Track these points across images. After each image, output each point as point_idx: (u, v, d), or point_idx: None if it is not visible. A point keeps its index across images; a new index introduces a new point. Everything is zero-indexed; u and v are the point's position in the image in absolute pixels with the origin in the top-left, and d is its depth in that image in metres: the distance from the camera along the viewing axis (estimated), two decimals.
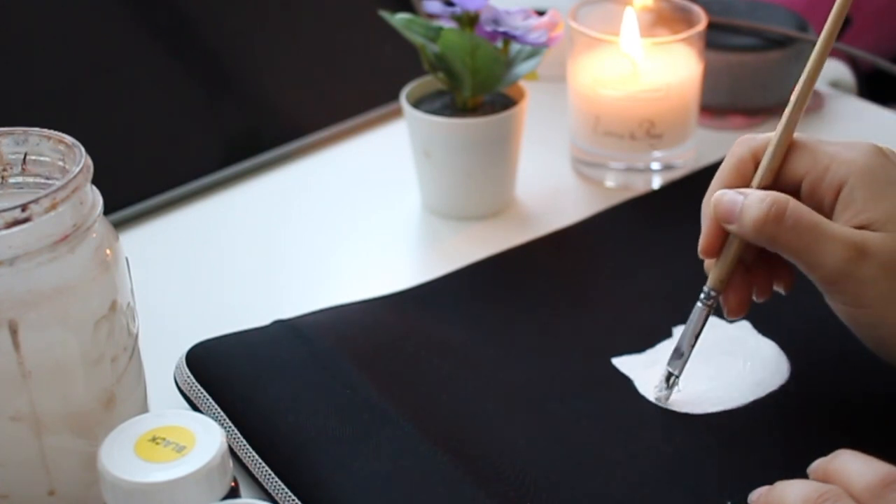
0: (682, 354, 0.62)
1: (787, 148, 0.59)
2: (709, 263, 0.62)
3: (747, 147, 0.60)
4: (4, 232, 0.49)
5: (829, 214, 0.58)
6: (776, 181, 0.60)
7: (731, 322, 0.66)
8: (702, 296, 0.61)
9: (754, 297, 0.62)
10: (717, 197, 0.59)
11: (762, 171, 0.59)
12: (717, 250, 0.61)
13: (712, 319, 0.66)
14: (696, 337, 0.61)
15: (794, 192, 0.59)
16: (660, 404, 0.62)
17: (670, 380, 0.62)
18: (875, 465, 0.50)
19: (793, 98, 0.60)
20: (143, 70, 0.84)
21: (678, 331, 0.67)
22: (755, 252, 0.61)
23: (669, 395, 0.62)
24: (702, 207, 0.61)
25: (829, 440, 0.59)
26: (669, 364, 0.62)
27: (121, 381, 0.55)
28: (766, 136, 0.60)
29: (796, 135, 0.60)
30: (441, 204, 0.79)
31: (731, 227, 0.59)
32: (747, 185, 0.60)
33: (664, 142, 0.80)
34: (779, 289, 0.62)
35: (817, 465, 0.52)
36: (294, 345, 0.64)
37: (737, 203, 0.58)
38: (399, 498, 0.56)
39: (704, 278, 0.66)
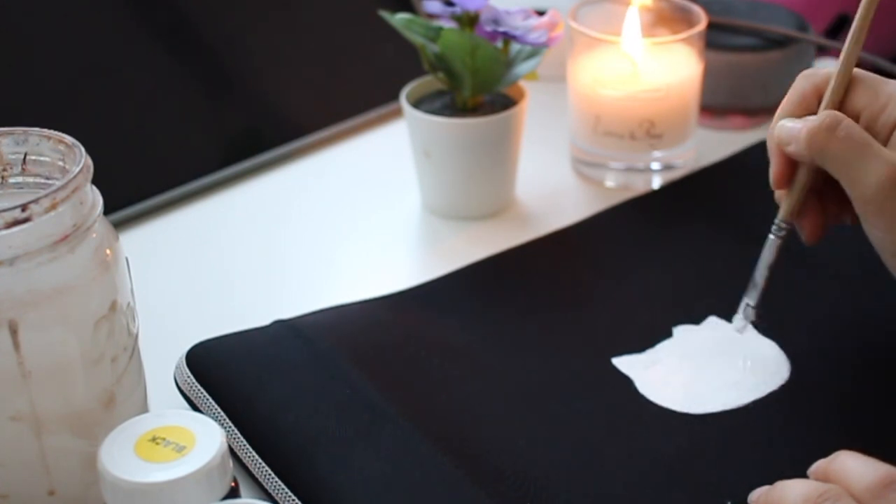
0: (756, 285, 0.64)
1: (848, 83, 0.61)
2: (779, 195, 0.64)
3: (810, 82, 0.62)
4: (4, 232, 0.49)
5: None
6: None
7: (758, 321, 0.66)
8: (774, 227, 0.63)
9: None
10: (779, 124, 0.62)
11: (825, 103, 0.61)
12: (786, 181, 0.63)
13: (712, 319, 0.67)
14: (770, 268, 0.63)
15: None
16: (739, 334, 0.65)
17: (747, 310, 0.64)
18: (875, 466, 0.50)
19: (851, 32, 0.62)
20: (144, 70, 0.84)
21: (678, 331, 0.67)
22: (825, 178, 0.62)
23: (746, 325, 0.64)
24: (767, 141, 0.63)
25: (829, 440, 0.59)
26: (746, 295, 0.64)
27: (121, 381, 0.56)
28: (828, 71, 0.62)
29: (856, 71, 0.62)
30: (441, 204, 0.79)
31: (790, 148, 0.61)
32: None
33: (664, 142, 0.80)
34: (845, 222, 0.64)
35: (817, 467, 0.52)
36: (294, 345, 0.64)
37: (795, 128, 0.61)
38: (399, 498, 0.56)
39: (705, 278, 0.66)
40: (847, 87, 0.62)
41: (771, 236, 0.63)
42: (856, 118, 0.61)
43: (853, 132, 0.59)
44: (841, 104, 0.61)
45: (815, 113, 0.62)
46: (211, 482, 0.49)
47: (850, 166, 0.59)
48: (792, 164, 0.62)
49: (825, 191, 0.63)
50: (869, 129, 0.60)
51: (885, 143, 0.60)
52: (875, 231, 0.60)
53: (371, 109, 0.90)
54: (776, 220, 0.63)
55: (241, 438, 0.60)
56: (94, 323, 0.53)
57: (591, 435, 0.60)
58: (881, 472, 0.50)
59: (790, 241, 0.65)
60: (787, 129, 0.61)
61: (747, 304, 0.64)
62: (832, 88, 0.62)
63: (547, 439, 0.60)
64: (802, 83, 0.63)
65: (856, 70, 0.62)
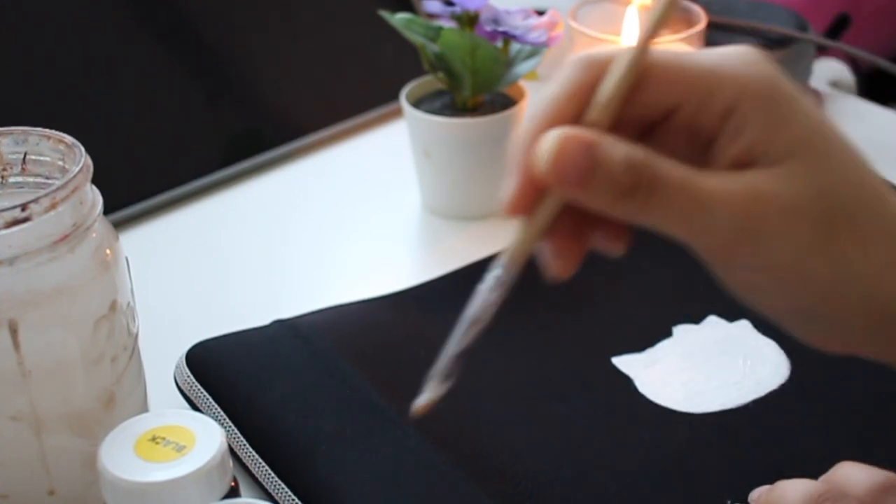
0: (446, 356, 0.48)
1: (643, 73, 0.41)
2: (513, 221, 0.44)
3: (589, 73, 0.42)
4: (4, 232, 0.49)
5: (708, 147, 0.42)
6: (627, 115, 0.42)
7: (732, 322, 0.66)
8: (492, 274, 0.44)
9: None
10: (557, 139, 0.40)
11: (604, 101, 0.41)
12: (528, 207, 0.42)
13: (711, 318, 0.66)
14: (477, 330, 0.46)
15: (655, 125, 0.42)
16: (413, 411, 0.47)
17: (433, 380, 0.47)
18: (876, 473, 0.50)
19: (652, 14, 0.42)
20: (143, 70, 0.84)
21: (678, 330, 0.67)
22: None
23: (428, 398, 0.47)
24: (513, 142, 0.42)
25: (828, 439, 0.59)
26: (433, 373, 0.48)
27: (121, 381, 0.55)
28: (610, 55, 0.42)
29: (657, 52, 0.42)
30: (441, 204, 0.79)
31: (581, 197, 0.41)
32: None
33: None
34: (613, 249, 0.45)
35: (821, 479, 0.52)
36: (294, 345, 0.64)
37: (587, 156, 0.40)
38: (399, 498, 0.56)
39: (704, 278, 0.66)
40: (641, 78, 0.41)
41: (484, 287, 0.45)
42: (662, 115, 0.42)
43: (667, 184, 0.40)
44: (634, 101, 0.41)
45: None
46: (211, 482, 0.49)
47: (683, 226, 0.42)
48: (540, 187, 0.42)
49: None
50: (690, 124, 0.42)
51: (712, 136, 0.42)
52: (744, 278, 0.44)
53: (371, 109, 0.90)
54: (497, 262, 0.44)
55: (241, 438, 0.60)
56: (94, 323, 0.53)
57: (592, 434, 0.60)
58: (881, 477, 0.50)
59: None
60: (572, 157, 0.40)
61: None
62: (619, 80, 0.41)
63: (547, 439, 0.60)
64: (580, 74, 0.42)
65: (656, 52, 0.41)
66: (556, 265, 0.45)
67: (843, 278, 0.42)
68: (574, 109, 0.41)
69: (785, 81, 0.42)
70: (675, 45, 0.79)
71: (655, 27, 0.41)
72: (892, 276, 0.42)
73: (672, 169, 0.41)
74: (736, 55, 0.42)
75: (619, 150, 0.40)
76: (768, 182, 0.41)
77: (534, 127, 0.41)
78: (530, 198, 0.42)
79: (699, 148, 0.42)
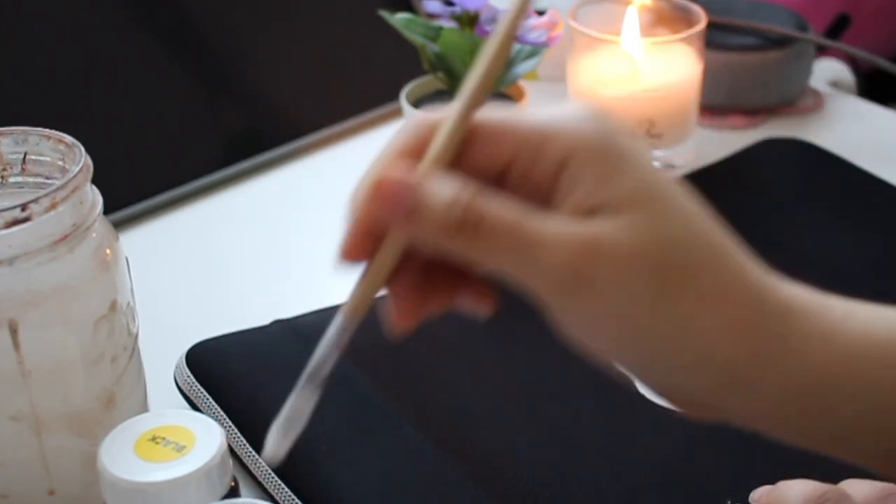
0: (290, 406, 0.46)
1: (471, 132, 0.42)
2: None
3: (424, 130, 0.42)
4: (4, 232, 0.49)
5: (546, 203, 0.41)
6: (464, 172, 0.41)
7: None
8: (333, 328, 0.43)
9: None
10: (383, 177, 0.41)
11: (432, 157, 0.41)
12: (368, 252, 0.43)
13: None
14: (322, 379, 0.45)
15: (498, 180, 0.42)
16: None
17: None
18: (876, 483, 0.50)
19: (477, 71, 0.43)
20: (143, 70, 0.84)
21: None
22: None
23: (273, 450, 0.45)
24: (352, 197, 0.43)
25: None
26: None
27: (121, 381, 0.55)
28: (441, 117, 0.42)
29: (486, 113, 0.42)
30: None
31: (408, 227, 0.41)
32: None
33: (664, 141, 0.80)
34: (478, 309, 0.46)
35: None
36: (294, 345, 0.64)
37: (409, 189, 0.40)
38: (399, 498, 0.56)
39: None
40: (470, 136, 0.41)
41: (325, 339, 0.44)
42: (495, 173, 0.41)
43: (494, 224, 0.40)
44: (465, 160, 0.41)
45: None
46: (211, 482, 0.49)
47: (512, 266, 0.41)
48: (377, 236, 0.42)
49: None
50: (524, 181, 0.41)
51: (549, 192, 0.41)
52: (581, 330, 0.44)
53: (371, 109, 0.90)
54: (340, 316, 0.42)
55: (241, 438, 0.59)
56: (94, 323, 0.53)
57: (592, 435, 0.60)
58: (882, 485, 0.50)
59: (787, 241, 0.65)
60: (394, 188, 0.41)
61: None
62: (448, 135, 0.41)
63: (547, 439, 0.60)
64: (415, 130, 0.42)
65: (482, 114, 0.42)
66: (398, 320, 0.44)
67: (680, 334, 0.40)
68: (407, 167, 0.41)
69: (620, 136, 0.41)
70: (675, 45, 0.79)
71: (482, 85, 0.42)
72: (728, 337, 0.40)
73: (503, 209, 0.40)
74: (569, 113, 0.42)
75: (444, 187, 0.40)
76: (606, 230, 0.40)
77: (368, 181, 0.42)
78: (364, 244, 0.43)
79: (542, 200, 0.41)
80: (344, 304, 0.43)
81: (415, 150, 0.42)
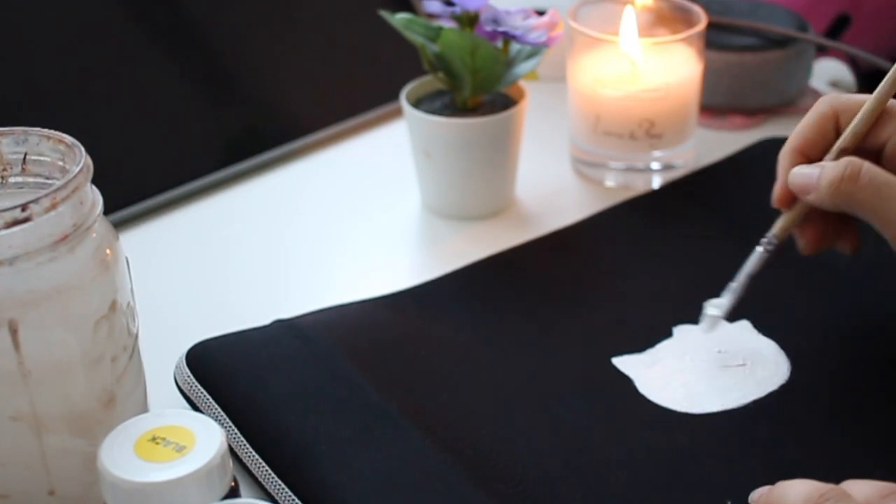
0: (733, 292, 0.64)
1: (882, 113, 0.62)
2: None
3: (829, 106, 0.63)
4: (4, 232, 0.49)
5: None
6: (859, 147, 0.62)
7: (733, 322, 0.66)
8: (764, 240, 0.64)
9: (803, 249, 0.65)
10: (792, 174, 0.62)
11: (848, 133, 0.62)
12: (790, 202, 0.64)
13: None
14: (751, 279, 0.64)
15: (876, 158, 0.61)
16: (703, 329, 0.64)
17: (712, 317, 0.64)
18: (876, 483, 0.50)
19: (890, 74, 0.62)
20: (143, 70, 0.84)
21: (678, 330, 0.67)
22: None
23: (713, 326, 0.64)
24: (779, 159, 0.64)
25: (828, 440, 0.59)
26: (715, 301, 0.64)
27: (121, 381, 0.56)
28: (850, 97, 0.63)
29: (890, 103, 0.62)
30: (441, 204, 0.79)
31: (809, 198, 0.61)
32: (828, 143, 0.63)
33: (664, 142, 0.80)
34: (844, 250, 0.65)
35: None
36: (294, 344, 0.64)
37: (812, 175, 0.61)
38: (399, 498, 0.56)
39: (705, 278, 0.66)
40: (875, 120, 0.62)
41: (759, 248, 0.64)
42: (880, 147, 0.62)
43: (877, 178, 0.59)
44: (865, 135, 0.62)
45: (831, 138, 0.63)
46: (211, 482, 0.49)
47: (880, 210, 0.59)
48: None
49: (830, 216, 0.64)
50: (894, 156, 0.61)
51: None
52: None
53: (371, 109, 0.90)
54: (768, 234, 0.64)
55: (241, 438, 0.60)
56: (94, 323, 0.53)
57: (591, 434, 0.60)
58: (881, 485, 0.50)
59: (790, 242, 0.65)
60: (802, 177, 0.62)
61: (713, 311, 0.64)
62: (861, 118, 0.62)
63: (547, 439, 0.60)
64: (822, 107, 0.63)
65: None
66: (802, 243, 0.65)
67: None
68: (821, 130, 0.63)
69: None
70: (675, 45, 0.80)
71: (893, 84, 0.62)
72: None
73: (879, 169, 0.60)
74: None
75: (834, 169, 0.60)
76: None
77: (789, 145, 0.64)
78: (787, 196, 0.63)
79: None
80: (772, 228, 0.64)
81: (823, 124, 0.63)
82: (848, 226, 0.65)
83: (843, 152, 0.62)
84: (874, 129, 0.62)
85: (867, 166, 0.60)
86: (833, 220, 0.64)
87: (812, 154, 0.63)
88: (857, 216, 0.61)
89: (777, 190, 0.64)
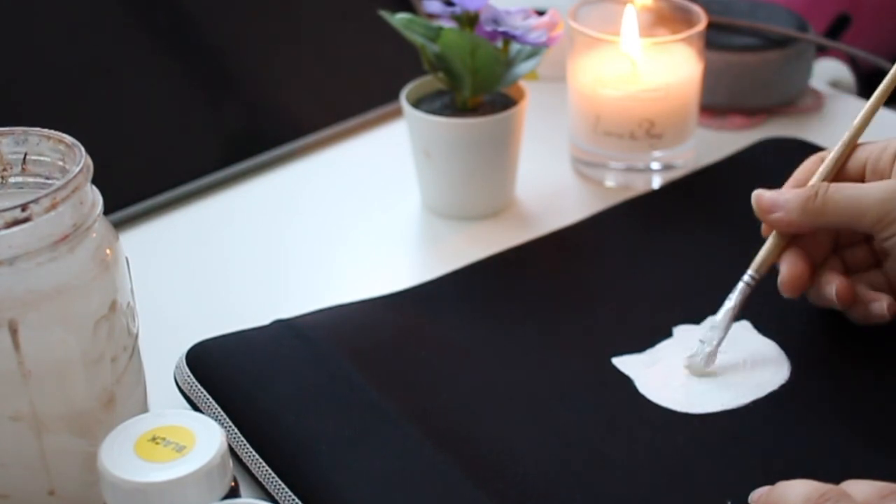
0: (718, 328, 0.64)
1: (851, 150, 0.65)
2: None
3: (817, 157, 0.67)
4: (4, 232, 0.49)
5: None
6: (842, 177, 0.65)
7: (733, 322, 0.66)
8: (745, 276, 0.65)
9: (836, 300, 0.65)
10: (756, 194, 0.65)
11: (827, 164, 0.65)
12: (800, 290, 0.66)
13: (712, 320, 0.67)
14: (735, 313, 0.65)
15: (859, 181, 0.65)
16: (689, 371, 0.64)
17: (703, 356, 0.64)
18: (876, 483, 0.50)
19: (858, 119, 0.66)
20: (144, 70, 0.84)
21: (678, 331, 0.67)
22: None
23: (701, 365, 0.64)
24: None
25: (829, 440, 0.59)
26: (704, 337, 0.64)
27: (121, 381, 0.55)
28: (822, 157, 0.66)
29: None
30: (441, 204, 0.79)
31: (775, 216, 0.64)
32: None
33: (664, 142, 0.80)
34: (882, 314, 0.64)
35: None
36: (294, 344, 0.64)
37: (778, 195, 0.65)
38: (399, 498, 0.56)
39: (705, 278, 0.66)
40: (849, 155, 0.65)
41: (741, 283, 0.65)
42: (861, 172, 0.65)
43: (842, 186, 0.63)
44: (845, 166, 0.65)
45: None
46: (211, 482, 0.49)
47: (850, 209, 0.62)
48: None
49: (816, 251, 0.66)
50: (875, 169, 0.64)
51: (889, 170, 0.64)
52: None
53: (371, 109, 0.90)
54: (748, 271, 0.65)
55: (241, 438, 0.60)
56: (94, 323, 0.53)
57: (592, 435, 0.60)
58: (880, 485, 0.50)
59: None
60: (766, 199, 0.65)
61: (705, 348, 0.64)
62: (827, 164, 0.65)
63: (547, 439, 0.60)
64: (809, 163, 0.66)
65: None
66: (786, 287, 0.65)
67: None
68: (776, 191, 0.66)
69: None
70: (675, 45, 0.80)
71: (864, 123, 0.66)
72: None
73: (837, 185, 0.63)
74: None
75: (809, 184, 0.65)
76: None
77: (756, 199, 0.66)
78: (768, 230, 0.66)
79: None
80: (754, 261, 0.65)
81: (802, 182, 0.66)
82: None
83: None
84: (854, 159, 0.65)
85: (832, 184, 0.63)
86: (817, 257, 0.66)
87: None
88: (830, 227, 0.64)
89: (765, 230, 0.67)
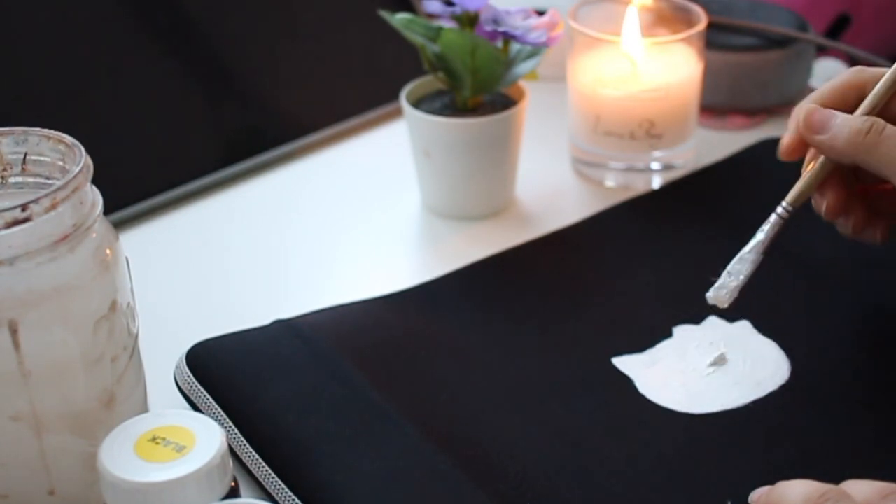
0: (744, 261, 0.63)
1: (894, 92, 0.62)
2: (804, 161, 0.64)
3: (856, 76, 0.63)
4: (4, 232, 0.49)
5: None
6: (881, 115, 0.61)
7: (733, 322, 0.66)
8: (779, 208, 0.63)
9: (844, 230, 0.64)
10: (810, 109, 0.61)
11: (868, 103, 0.61)
12: (798, 154, 0.63)
13: (711, 319, 0.67)
14: (766, 250, 0.63)
15: None
16: (711, 302, 0.63)
17: (724, 290, 0.63)
18: (876, 483, 0.50)
19: None
20: (144, 70, 0.84)
21: (678, 331, 0.67)
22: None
23: (722, 296, 0.63)
24: (792, 113, 0.63)
25: (829, 440, 0.59)
26: (730, 267, 0.63)
27: (121, 381, 0.56)
28: (878, 71, 0.62)
29: None
30: (441, 204, 0.79)
31: (820, 137, 0.60)
32: (848, 110, 0.62)
33: (664, 142, 0.80)
34: (874, 239, 0.64)
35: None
36: (294, 344, 0.64)
37: (832, 116, 0.60)
38: (399, 498, 0.56)
39: (705, 278, 0.66)
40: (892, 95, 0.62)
41: (774, 215, 0.63)
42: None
43: (890, 129, 0.59)
44: (882, 110, 0.62)
45: (848, 108, 0.62)
46: (211, 482, 0.49)
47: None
48: (807, 144, 0.63)
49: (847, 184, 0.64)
50: None
51: None
52: None
53: (371, 109, 0.90)
54: (784, 202, 0.63)
55: (241, 438, 0.60)
56: (94, 323, 0.53)
57: (592, 435, 0.60)
58: (880, 485, 0.50)
59: (790, 244, 0.65)
60: (817, 116, 0.61)
61: (730, 281, 0.63)
62: (877, 92, 0.62)
63: (547, 439, 0.60)
64: (849, 76, 0.63)
65: None
66: (823, 207, 0.63)
67: None
68: (841, 97, 0.63)
69: None
70: (675, 46, 0.80)
71: None
72: None
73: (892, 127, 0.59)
74: None
75: (854, 120, 0.60)
76: None
77: (809, 101, 0.62)
78: (798, 147, 0.63)
79: None
80: (790, 193, 0.63)
81: (845, 88, 0.63)
82: (874, 213, 0.64)
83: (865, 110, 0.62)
84: (891, 105, 0.62)
85: (890, 126, 0.60)
86: (852, 193, 0.64)
87: None
88: (870, 169, 0.60)
89: (786, 140, 0.63)
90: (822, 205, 0.63)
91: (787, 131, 0.64)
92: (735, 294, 0.62)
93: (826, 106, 0.62)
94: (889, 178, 0.60)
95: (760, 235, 0.63)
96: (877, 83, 0.62)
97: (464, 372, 0.64)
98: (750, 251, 0.63)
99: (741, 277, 0.62)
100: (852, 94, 0.63)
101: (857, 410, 0.61)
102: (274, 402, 0.61)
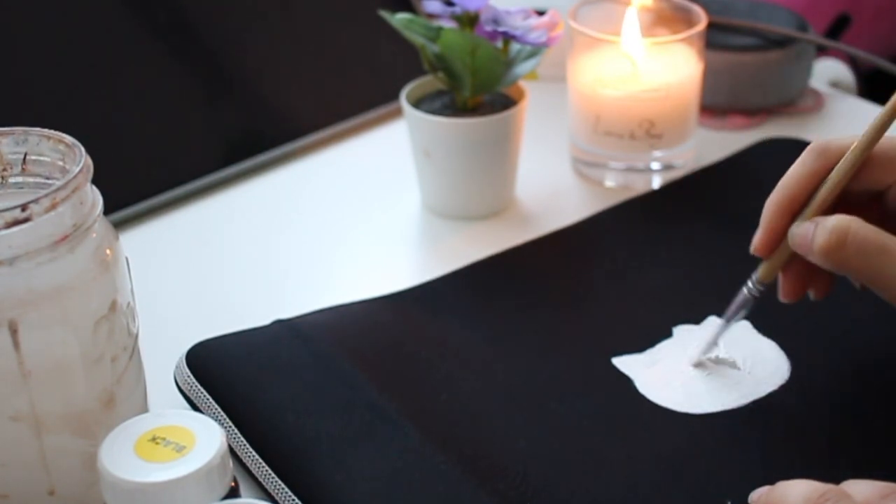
0: (718, 333, 0.64)
1: (866, 160, 0.59)
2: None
3: (822, 159, 0.59)
4: (4, 232, 0.49)
5: None
6: (853, 192, 0.60)
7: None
8: (749, 285, 0.62)
9: (811, 295, 0.63)
10: (791, 233, 0.60)
11: (828, 186, 0.59)
12: (769, 252, 0.61)
13: (711, 319, 0.67)
14: (733, 320, 0.63)
15: (877, 199, 0.60)
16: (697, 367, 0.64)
17: (706, 356, 0.64)
18: (876, 483, 0.50)
19: (876, 120, 0.60)
20: (143, 70, 0.84)
21: (678, 331, 0.67)
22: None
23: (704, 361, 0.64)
24: (764, 209, 0.61)
25: (828, 440, 0.59)
26: (706, 345, 0.64)
27: (121, 381, 0.56)
28: (841, 144, 0.59)
29: (882, 141, 0.59)
30: (441, 204, 0.79)
31: (810, 258, 0.59)
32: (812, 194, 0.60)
33: (664, 142, 0.80)
34: (812, 293, 0.63)
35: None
36: (294, 344, 0.64)
37: (808, 233, 0.58)
38: (399, 498, 0.56)
39: (704, 278, 0.66)
40: (862, 165, 0.59)
41: (744, 290, 0.62)
42: (880, 191, 0.59)
43: (865, 242, 0.56)
44: (857, 179, 0.59)
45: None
46: (211, 482, 0.49)
47: (873, 276, 0.57)
48: (779, 239, 0.60)
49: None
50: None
51: None
52: None
53: (371, 109, 0.90)
54: (752, 278, 0.62)
55: (241, 438, 0.60)
56: (94, 323, 0.53)
57: (592, 435, 0.60)
58: (881, 485, 0.50)
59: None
60: (798, 239, 0.59)
61: (710, 350, 0.64)
62: (842, 171, 0.59)
63: (547, 439, 0.60)
64: (808, 161, 0.60)
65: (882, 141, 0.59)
66: (786, 294, 0.63)
67: None
68: (807, 186, 0.60)
69: None
70: (675, 46, 0.80)
71: (882, 128, 0.59)
72: None
73: (871, 230, 0.57)
74: None
75: (825, 230, 0.57)
76: None
77: (778, 197, 0.60)
78: (768, 245, 0.61)
79: None
80: (754, 274, 0.62)
81: (813, 175, 0.59)
82: (822, 272, 0.62)
83: (824, 203, 0.59)
84: (871, 174, 0.59)
85: (854, 229, 0.57)
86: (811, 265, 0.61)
87: (798, 209, 0.60)
88: (850, 275, 0.59)
89: (758, 239, 0.61)
90: (783, 289, 0.63)
91: (759, 229, 0.61)
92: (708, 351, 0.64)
93: (793, 199, 0.60)
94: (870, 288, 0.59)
95: (734, 311, 0.63)
96: (840, 158, 0.59)
97: (464, 372, 0.64)
98: (723, 325, 0.64)
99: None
100: (815, 180, 0.60)
101: (857, 410, 0.61)
102: (274, 402, 0.61)
